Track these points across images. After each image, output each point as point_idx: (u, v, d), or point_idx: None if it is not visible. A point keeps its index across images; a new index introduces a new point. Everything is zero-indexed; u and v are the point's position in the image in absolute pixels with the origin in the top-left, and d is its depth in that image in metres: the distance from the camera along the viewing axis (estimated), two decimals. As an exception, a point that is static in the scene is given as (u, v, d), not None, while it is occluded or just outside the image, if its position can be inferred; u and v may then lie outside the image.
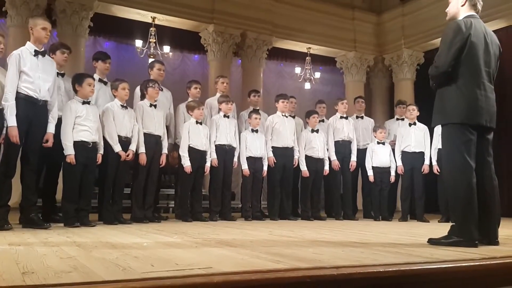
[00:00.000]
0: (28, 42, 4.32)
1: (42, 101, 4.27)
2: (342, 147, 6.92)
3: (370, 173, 6.85)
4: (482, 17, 3.32)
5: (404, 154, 6.75)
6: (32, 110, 4.19)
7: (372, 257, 2.32)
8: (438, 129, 6.42)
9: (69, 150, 4.51)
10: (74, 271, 1.81)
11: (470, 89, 3.04)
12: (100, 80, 5.43)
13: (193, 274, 1.73)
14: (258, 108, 6.72)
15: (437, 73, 3.17)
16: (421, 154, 6.70)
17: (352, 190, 7.11)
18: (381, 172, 6.83)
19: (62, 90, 4.91)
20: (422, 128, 6.78)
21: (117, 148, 4.92)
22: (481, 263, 2.23)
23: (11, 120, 4.01)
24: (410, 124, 6.81)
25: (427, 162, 6.68)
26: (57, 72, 4.87)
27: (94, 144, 4.70)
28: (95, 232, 3.89)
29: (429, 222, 6.41)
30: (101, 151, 4.80)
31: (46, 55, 4.42)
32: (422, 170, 6.66)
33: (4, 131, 4.23)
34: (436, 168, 6.65)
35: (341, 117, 7.05)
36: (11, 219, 4.12)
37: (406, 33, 11.14)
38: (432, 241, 3.07)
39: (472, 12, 3.22)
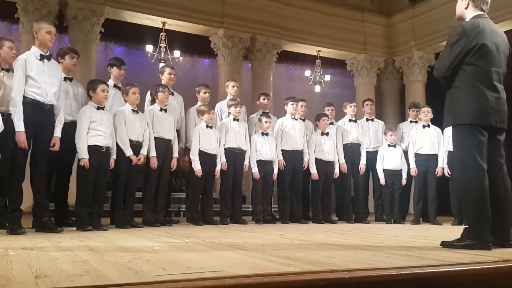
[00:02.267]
0: (33, 46, 4.34)
1: (49, 105, 4.31)
2: (351, 150, 6.90)
3: (381, 176, 6.81)
4: (493, 18, 3.28)
5: (418, 156, 6.69)
6: (39, 114, 4.22)
7: (384, 260, 2.30)
8: (447, 131, 6.37)
9: (83, 154, 4.55)
10: (87, 275, 1.82)
11: (479, 90, 3.01)
12: (115, 86, 5.47)
13: (204, 277, 1.73)
14: (267, 111, 6.71)
15: (437, 77, 3.17)
16: (435, 156, 6.65)
17: (363, 193, 7.07)
18: (393, 174, 6.78)
19: (70, 95, 4.94)
20: (436, 130, 6.72)
21: (129, 152, 4.95)
22: (495, 266, 2.20)
23: (19, 125, 4.04)
24: (424, 126, 6.76)
25: (440, 164, 6.61)
26: (65, 77, 4.91)
27: (108, 148, 4.74)
28: (107, 235, 3.92)
29: (441, 224, 6.35)
30: (114, 156, 4.83)
31: (52, 59, 4.44)
32: (436, 173, 6.61)
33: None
34: (447, 171, 6.59)
35: (350, 120, 7.04)
36: (24, 223, 4.16)
37: (416, 35, 11.09)
38: (445, 244, 3.03)
39: (479, 12, 3.18)
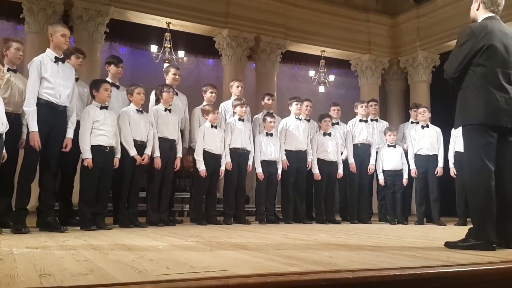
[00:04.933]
0: (48, 49, 4.39)
1: (62, 106, 4.34)
2: (361, 150, 6.89)
3: (380, 176, 6.81)
4: (502, 17, 3.28)
5: (418, 157, 6.68)
6: (52, 115, 4.26)
7: (388, 261, 2.30)
8: (454, 132, 6.35)
9: (86, 154, 4.56)
10: (91, 274, 1.82)
11: (488, 91, 3.01)
12: (113, 84, 5.45)
13: (208, 277, 1.73)
14: (272, 111, 6.72)
15: (446, 78, 3.19)
16: (435, 156, 6.63)
17: (367, 193, 7.06)
18: (393, 175, 6.77)
19: (75, 95, 4.96)
20: (435, 130, 6.71)
21: (133, 152, 4.96)
22: (499, 266, 2.19)
23: (33, 125, 4.08)
24: (422, 127, 6.74)
25: (440, 164, 6.60)
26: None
27: (111, 148, 4.75)
28: (111, 235, 3.92)
29: (445, 225, 6.33)
30: (118, 155, 4.85)
31: (66, 62, 4.50)
32: (435, 173, 6.59)
33: (24, 136, 4.31)
34: (453, 171, 6.57)
35: (361, 120, 7.03)
36: (29, 222, 4.17)
37: (421, 35, 11.07)
38: (449, 245, 3.03)
39: (490, 14, 3.19)
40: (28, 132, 4.14)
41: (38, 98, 4.17)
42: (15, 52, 4.53)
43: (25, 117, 4.18)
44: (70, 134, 4.44)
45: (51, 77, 4.25)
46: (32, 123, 4.08)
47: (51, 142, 4.28)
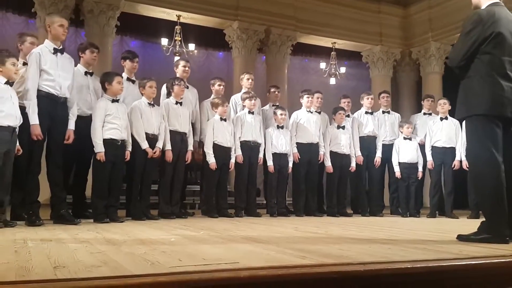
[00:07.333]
0: (46, 40, 4.37)
1: (63, 98, 4.34)
2: (367, 143, 6.85)
3: (396, 169, 6.76)
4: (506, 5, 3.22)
5: (435, 149, 6.62)
6: (53, 107, 4.26)
7: (400, 254, 2.29)
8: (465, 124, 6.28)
9: (99, 148, 4.59)
10: (104, 266, 1.84)
11: (494, 80, 2.94)
12: (128, 79, 5.48)
13: (220, 269, 1.75)
14: (277, 103, 6.70)
15: (451, 66, 3.13)
16: (452, 149, 6.57)
17: (378, 186, 7.02)
18: (408, 167, 6.72)
19: (90, 89, 4.99)
20: (454, 122, 6.63)
21: (145, 145, 4.99)
22: (512, 259, 2.18)
23: (33, 118, 4.07)
24: (441, 119, 6.67)
25: (458, 157, 6.53)
26: (86, 71, 4.98)
27: (123, 141, 4.77)
28: (124, 227, 3.96)
29: (458, 218, 6.29)
30: (130, 148, 4.87)
31: (65, 53, 4.46)
32: (452, 166, 6.53)
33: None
34: (465, 164, 6.51)
35: (366, 112, 6.98)
36: (43, 215, 4.23)
37: (433, 26, 10.94)
38: (461, 238, 3.00)
39: (495, 0, 3.12)
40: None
41: (38, 90, 4.16)
42: (30, 46, 4.53)
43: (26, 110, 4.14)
44: (71, 125, 4.43)
45: (51, 69, 4.23)
46: (33, 115, 4.07)
47: (53, 134, 4.29)
